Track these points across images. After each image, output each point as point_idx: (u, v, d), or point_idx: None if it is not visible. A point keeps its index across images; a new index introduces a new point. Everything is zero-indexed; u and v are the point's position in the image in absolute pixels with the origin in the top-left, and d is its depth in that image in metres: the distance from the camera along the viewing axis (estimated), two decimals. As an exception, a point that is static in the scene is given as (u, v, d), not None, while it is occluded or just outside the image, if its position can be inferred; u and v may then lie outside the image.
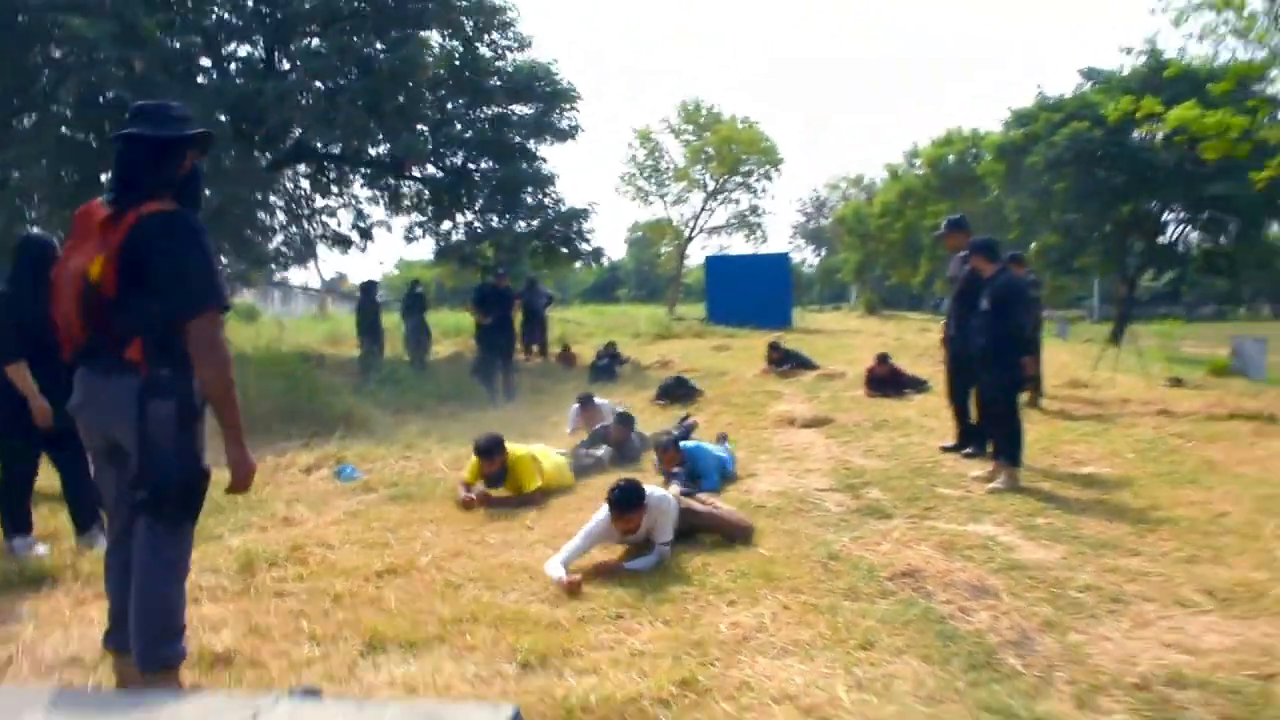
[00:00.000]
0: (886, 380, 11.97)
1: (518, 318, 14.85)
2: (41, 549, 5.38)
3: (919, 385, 11.92)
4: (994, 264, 6.96)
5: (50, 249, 5.95)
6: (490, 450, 6.41)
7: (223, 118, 14.48)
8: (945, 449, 7.82)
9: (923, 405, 10.57)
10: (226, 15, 16.17)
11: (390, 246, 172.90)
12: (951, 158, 42.82)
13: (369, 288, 15.75)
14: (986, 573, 4.51)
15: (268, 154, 16.89)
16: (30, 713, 2.38)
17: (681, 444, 6.90)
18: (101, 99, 13.91)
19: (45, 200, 15.31)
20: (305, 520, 5.95)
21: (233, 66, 16.44)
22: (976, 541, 5.08)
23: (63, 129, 14.40)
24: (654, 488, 5.14)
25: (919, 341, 20.32)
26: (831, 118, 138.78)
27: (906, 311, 44.65)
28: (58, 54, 14.23)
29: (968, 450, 7.61)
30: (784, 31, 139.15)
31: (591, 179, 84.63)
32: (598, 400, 9.87)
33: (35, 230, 6.77)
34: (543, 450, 7.03)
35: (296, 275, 51.25)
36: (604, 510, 4.86)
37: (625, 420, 8.07)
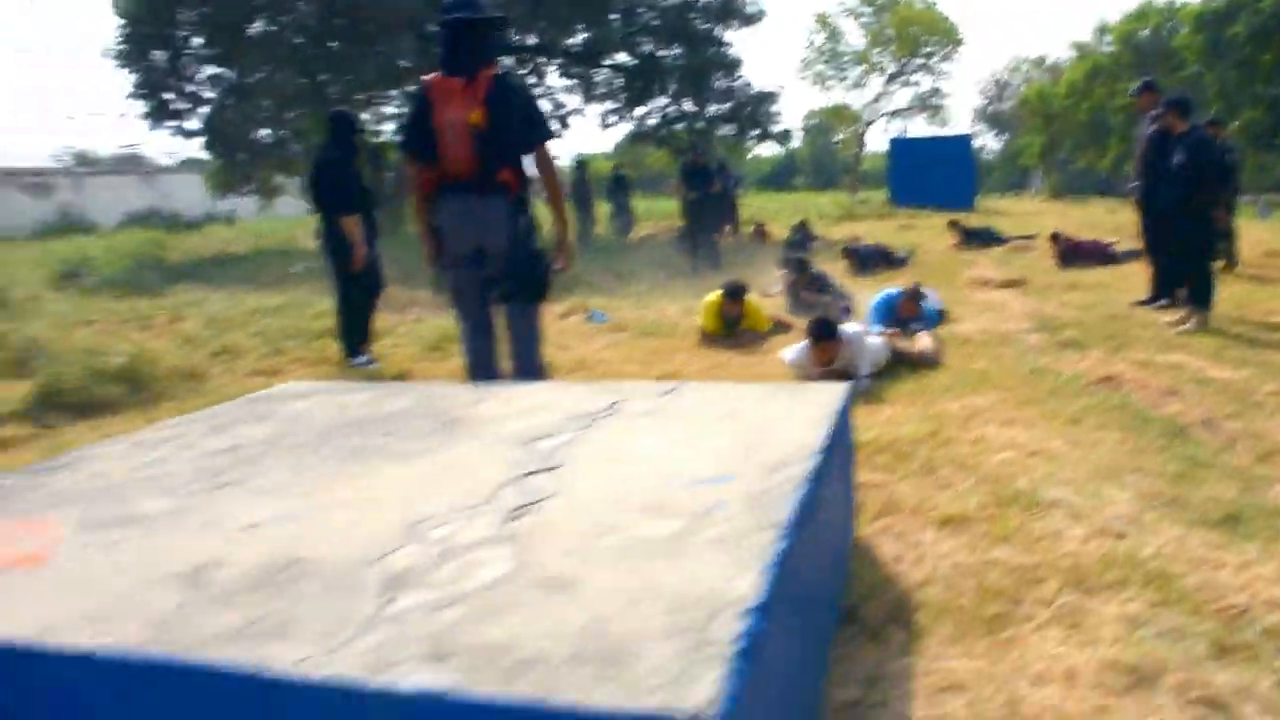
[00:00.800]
0: (1072, 256, 12.18)
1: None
2: (374, 363, 6.83)
3: (1109, 255, 12.13)
4: (1186, 121, 7.37)
5: (356, 120, 7.44)
6: (737, 293, 7.40)
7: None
8: (1137, 303, 8.35)
9: (1116, 270, 10.96)
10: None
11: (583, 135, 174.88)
12: (1145, 32, 40.44)
13: (580, 167, 16.96)
14: (1177, 383, 5.27)
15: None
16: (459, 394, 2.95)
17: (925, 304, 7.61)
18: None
19: (274, 99, 17.10)
20: (576, 348, 7.18)
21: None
22: (1167, 365, 5.79)
23: (300, 37, 16.02)
24: (849, 325, 6.00)
25: (1107, 221, 20.09)
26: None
27: (1093, 196, 42.99)
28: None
29: (1161, 302, 8.11)
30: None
31: (769, 65, 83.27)
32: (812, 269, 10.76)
33: (339, 109, 8.05)
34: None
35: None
36: (804, 343, 5.75)
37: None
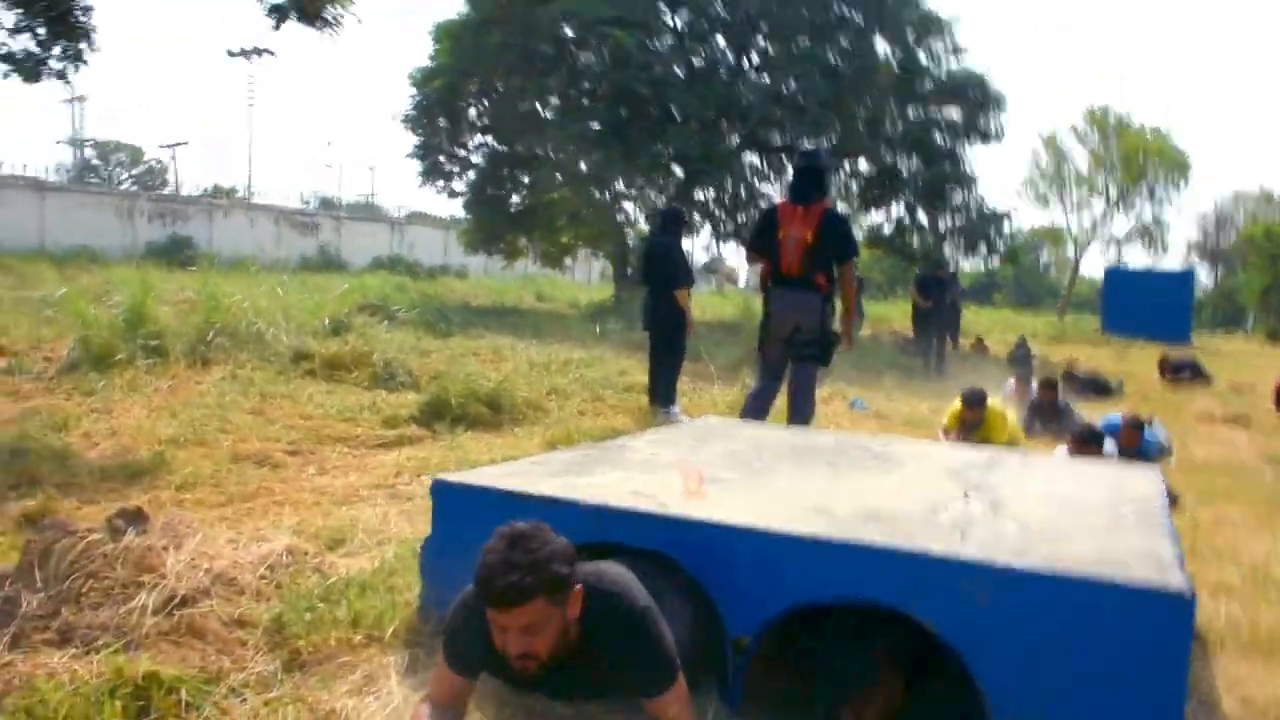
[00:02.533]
0: None
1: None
2: (684, 416, 8.19)
3: None
4: None
5: (684, 213, 9.01)
6: (977, 401, 8.38)
7: (710, 113, 17.65)
8: None
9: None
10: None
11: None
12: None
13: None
14: None
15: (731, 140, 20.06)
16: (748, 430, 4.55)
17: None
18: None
19: (566, 175, 19.37)
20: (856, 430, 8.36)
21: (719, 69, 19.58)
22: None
23: (589, 122, 18.19)
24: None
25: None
26: (1239, 128, 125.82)
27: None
28: (593, 58, 17.97)
29: None
30: (1194, 28, 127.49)
31: (991, 181, 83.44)
32: (1031, 381, 11.56)
33: (673, 204, 9.72)
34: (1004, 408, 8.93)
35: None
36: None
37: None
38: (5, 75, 8.21)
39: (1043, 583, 2.26)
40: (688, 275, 8.36)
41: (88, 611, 2.87)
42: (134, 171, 66.57)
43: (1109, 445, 6.69)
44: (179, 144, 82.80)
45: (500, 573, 2.04)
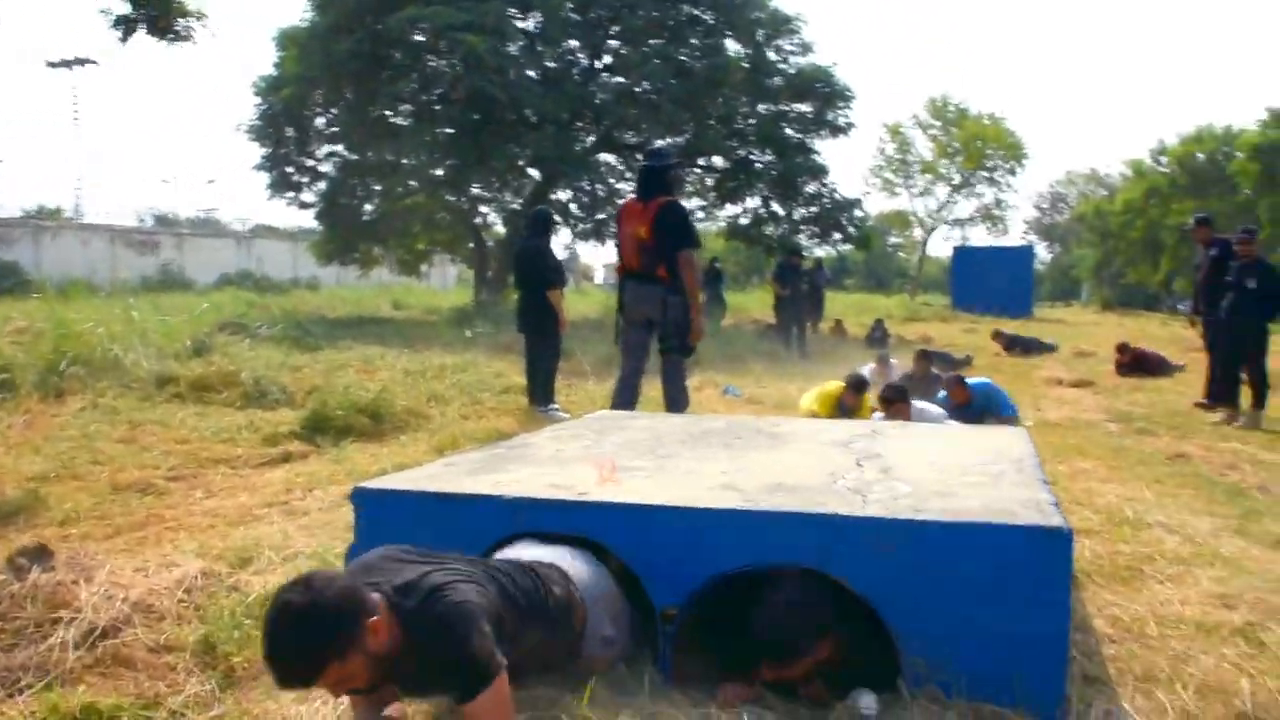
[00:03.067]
0: (1134, 366, 13.31)
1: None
2: (564, 413, 8.30)
3: (1167, 367, 13.36)
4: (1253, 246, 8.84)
5: (552, 215, 9.12)
6: (861, 386, 8.63)
7: (564, 115, 17.79)
8: (1198, 404, 9.65)
9: (1176, 379, 12.28)
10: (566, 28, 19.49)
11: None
12: (1201, 156, 42.17)
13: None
14: (1237, 461, 6.61)
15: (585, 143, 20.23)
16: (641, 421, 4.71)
17: (969, 382, 8.47)
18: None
19: (421, 181, 19.17)
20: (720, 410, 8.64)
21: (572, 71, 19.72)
22: (1227, 449, 7.14)
23: (443, 128, 18.06)
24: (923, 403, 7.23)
25: (1160, 333, 21.42)
26: (1069, 111, 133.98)
27: (1142, 310, 44.31)
28: (445, 64, 17.83)
29: (1219, 405, 9.38)
30: (1025, 21, 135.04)
31: (839, 170, 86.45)
32: (891, 360, 12.17)
33: (540, 206, 9.83)
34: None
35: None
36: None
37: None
38: None
39: (942, 531, 2.50)
40: (560, 275, 8.48)
41: (2, 654, 2.80)
42: (-57, 195, 62.20)
43: (936, 409, 7.13)
44: (-5, 165, 77.54)
45: (279, 671, 2.08)
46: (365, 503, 3.03)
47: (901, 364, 10.84)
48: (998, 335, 17.04)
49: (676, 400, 6.58)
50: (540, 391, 8.43)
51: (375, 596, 2.19)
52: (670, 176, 6.57)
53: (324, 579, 2.16)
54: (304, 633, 2.05)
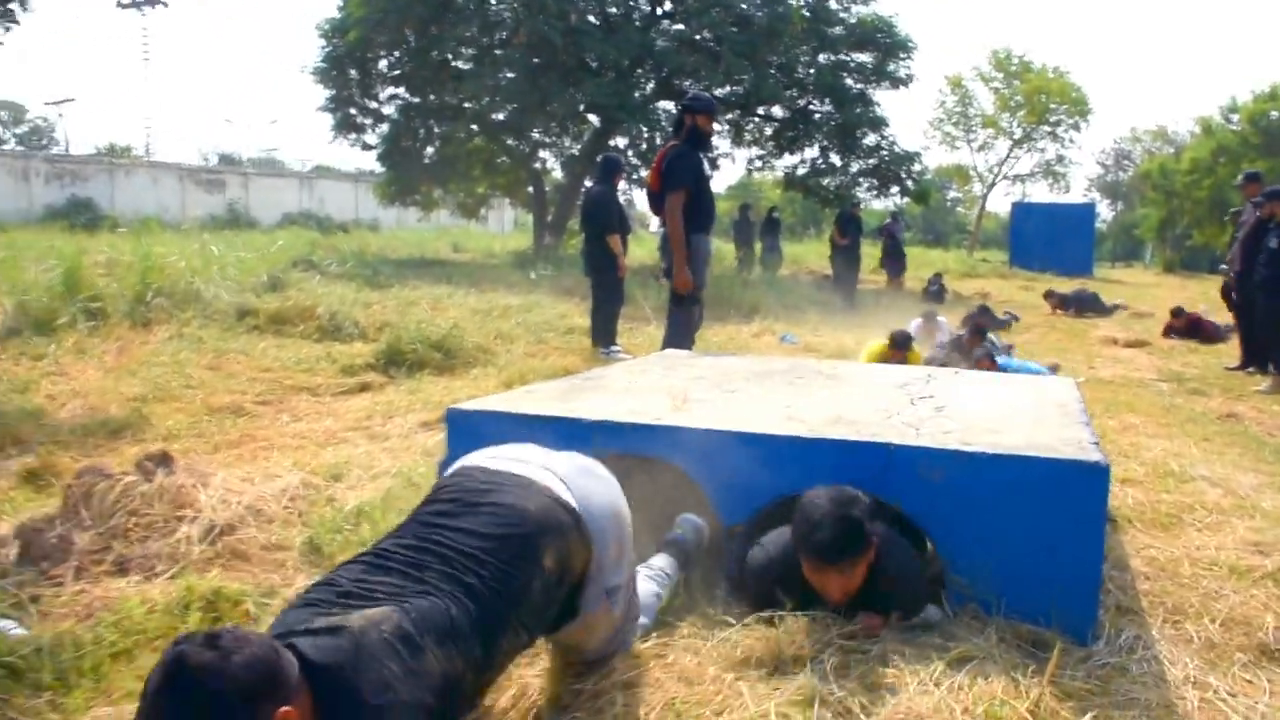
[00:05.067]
0: (1186, 331, 12.89)
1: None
2: (626, 354, 8.57)
3: (1224, 334, 13.05)
4: None
5: (620, 161, 9.30)
6: (904, 343, 8.85)
7: (625, 61, 17.86)
8: (1229, 369, 9.52)
9: (1234, 345, 12.17)
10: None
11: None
12: (1276, 114, 40.80)
13: (745, 209, 18.89)
14: (1287, 421, 6.70)
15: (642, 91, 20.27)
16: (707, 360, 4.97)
17: (999, 360, 8.08)
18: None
19: (481, 125, 19.38)
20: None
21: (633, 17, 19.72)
22: (1279, 410, 7.22)
23: (504, 72, 18.23)
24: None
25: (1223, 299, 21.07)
26: (1136, 65, 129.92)
27: (1206, 273, 43.33)
28: (507, 7, 17.96)
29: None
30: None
31: (897, 123, 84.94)
32: (939, 318, 12.25)
33: (609, 153, 10.02)
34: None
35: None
36: None
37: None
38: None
39: (988, 461, 2.72)
40: (621, 222, 8.69)
41: (137, 544, 3.16)
42: (17, 131, 63.79)
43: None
44: (66, 100, 79.09)
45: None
46: (456, 421, 3.30)
47: (951, 321, 10.93)
48: (1050, 295, 16.93)
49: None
50: (601, 332, 8.70)
51: (294, 673, 1.57)
52: (689, 121, 6.34)
53: (235, 640, 1.51)
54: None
